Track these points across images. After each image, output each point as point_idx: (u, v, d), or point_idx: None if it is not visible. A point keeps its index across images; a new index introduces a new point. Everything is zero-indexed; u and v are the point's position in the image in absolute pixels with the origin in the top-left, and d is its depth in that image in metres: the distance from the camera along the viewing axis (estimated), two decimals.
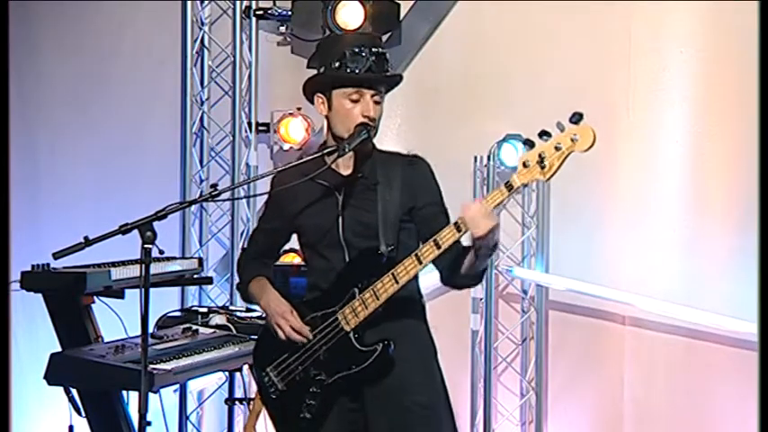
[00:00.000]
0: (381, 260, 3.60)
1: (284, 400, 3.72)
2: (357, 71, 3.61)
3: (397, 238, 3.65)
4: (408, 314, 3.71)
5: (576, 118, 3.36)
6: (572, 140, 3.37)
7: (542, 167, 3.40)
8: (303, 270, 3.97)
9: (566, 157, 3.39)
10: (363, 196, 3.68)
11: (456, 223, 3.50)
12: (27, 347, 6.14)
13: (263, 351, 3.82)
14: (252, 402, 5.20)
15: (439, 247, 3.51)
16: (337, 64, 3.64)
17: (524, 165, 3.42)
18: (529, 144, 3.41)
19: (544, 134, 3.39)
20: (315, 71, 3.78)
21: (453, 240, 3.51)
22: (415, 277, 3.63)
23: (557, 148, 3.38)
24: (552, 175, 3.41)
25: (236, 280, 6.02)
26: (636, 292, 5.89)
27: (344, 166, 3.73)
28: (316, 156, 3.69)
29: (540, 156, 3.39)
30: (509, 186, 3.43)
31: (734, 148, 5.80)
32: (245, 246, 4.06)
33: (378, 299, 3.57)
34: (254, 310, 5.49)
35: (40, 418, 6.14)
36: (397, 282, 3.55)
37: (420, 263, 3.54)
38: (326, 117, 3.72)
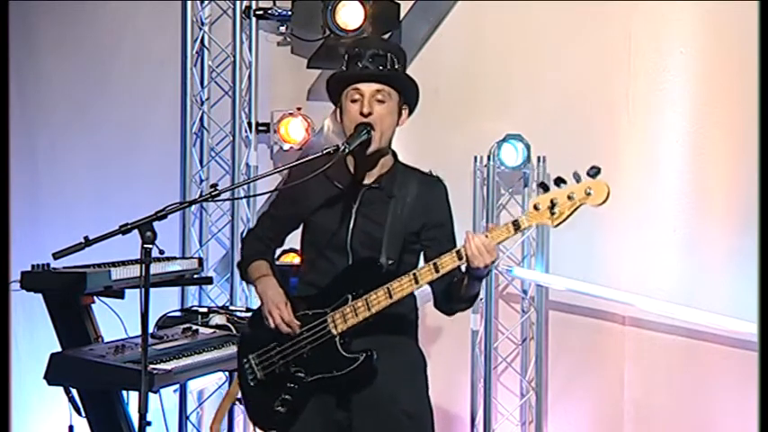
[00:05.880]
0: (380, 271, 3.63)
1: (260, 390, 3.74)
2: (353, 71, 3.65)
3: (399, 253, 3.67)
4: (401, 329, 3.74)
5: (594, 171, 3.41)
6: (586, 193, 3.42)
7: (552, 214, 3.45)
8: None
9: (576, 209, 3.44)
10: (376, 207, 3.71)
11: (458, 251, 3.54)
12: (27, 347, 6.14)
13: (250, 336, 3.83)
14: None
15: (437, 271, 3.56)
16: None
17: (535, 207, 3.47)
18: (544, 188, 3.45)
19: (560, 181, 3.43)
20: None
21: (452, 267, 3.56)
22: (412, 294, 3.66)
23: (569, 198, 3.43)
24: (560, 224, 3.46)
25: (237, 280, 6.11)
26: (636, 292, 5.89)
27: (354, 167, 3.76)
28: (325, 153, 3.69)
29: (551, 202, 3.44)
30: (516, 226, 3.50)
31: (734, 149, 5.80)
32: (252, 226, 4.06)
33: (369, 309, 3.59)
34: (254, 311, 5.49)
35: (40, 418, 6.13)
36: (390, 296, 3.58)
37: (416, 282, 3.58)
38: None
